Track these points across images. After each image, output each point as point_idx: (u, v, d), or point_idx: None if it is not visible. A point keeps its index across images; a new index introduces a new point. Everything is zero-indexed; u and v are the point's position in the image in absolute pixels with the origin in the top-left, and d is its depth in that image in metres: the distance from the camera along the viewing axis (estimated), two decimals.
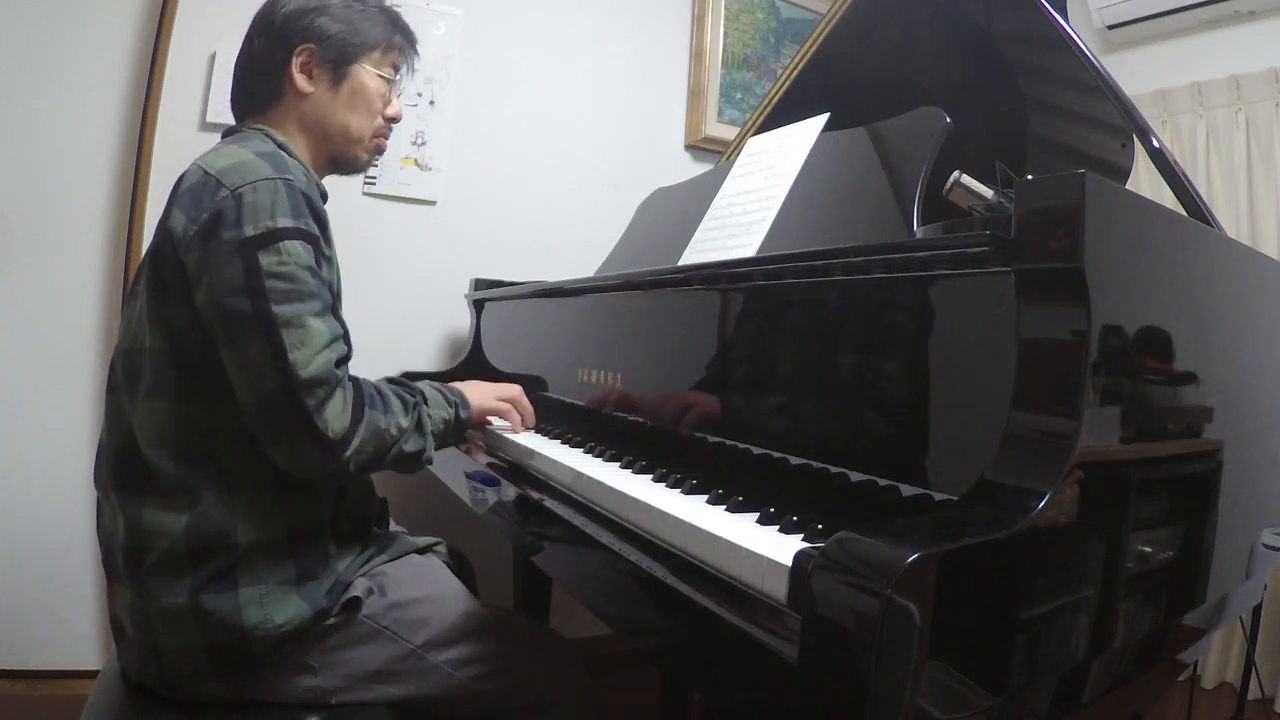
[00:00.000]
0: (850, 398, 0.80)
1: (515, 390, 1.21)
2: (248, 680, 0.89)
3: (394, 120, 1.11)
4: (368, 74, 1.05)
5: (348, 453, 0.87)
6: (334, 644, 0.93)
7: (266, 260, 0.84)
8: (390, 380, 1.01)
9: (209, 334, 0.86)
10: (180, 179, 0.92)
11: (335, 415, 0.85)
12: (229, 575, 0.87)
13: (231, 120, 1.07)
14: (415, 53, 1.13)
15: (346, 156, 1.08)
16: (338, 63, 1.02)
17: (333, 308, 0.90)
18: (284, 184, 0.88)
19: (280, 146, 0.98)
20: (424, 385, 1.04)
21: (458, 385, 1.12)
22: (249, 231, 0.84)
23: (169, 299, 0.88)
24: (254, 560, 0.88)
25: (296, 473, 0.89)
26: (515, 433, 1.19)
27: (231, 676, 0.88)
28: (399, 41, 1.09)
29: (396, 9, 1.12)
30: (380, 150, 1.12)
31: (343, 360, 0.89)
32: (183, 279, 0.87)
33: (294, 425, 0.84)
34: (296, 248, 0.86)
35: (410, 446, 0.96)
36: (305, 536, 0.93)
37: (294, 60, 1.01)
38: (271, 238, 0.85)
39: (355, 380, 0.91)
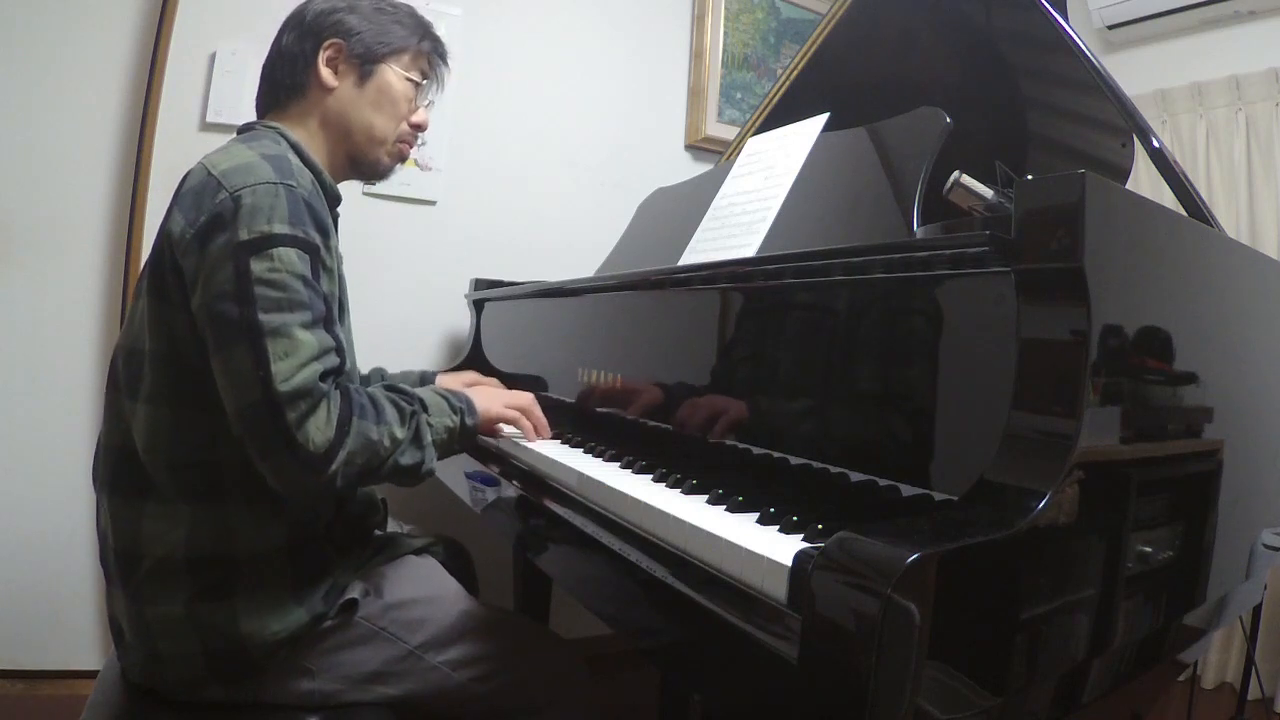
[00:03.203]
0: (850, 398, 0.80)
1: (528, 399, 1.15)
2: (247, 684, 0.89)
3: (419, 128, 1.09)
4: (395, 75, 1.03)
5: (333, 467, 0.82)
6: (331, 646, 0.93)
7: (258, 266, 0.81)
8: (389, 388, 0.96)
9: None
10: (185, 178, 0.90)
11: (317, 429, 0.81)
12: (226, 584, 0.87)
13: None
14: (445, 64, 1.11)
15: (368, 158, 1.05)
16: (364, 59, 1.01)
17: (329, 321, 0.87)
18: (285, 189, 0.85)
19: (293, 147, 0.96)
20: (426, 391, 0.99)
21: (467, 390, 1.08)
22: (243, 235, 0.82)
23: (168, 302, 0.87)
24: (252, 571, 0.88)
25: (282, 489, 0.84)
26: (529, 441, 1.13)
27: (230, 680, 0.88)
28: (427, 48, 1.07)
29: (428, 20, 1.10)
30: (403, 157, 1.09)
31: (331, 373, 0.85)
32: (180, 282, 0.85)
33: (274, 438, 0.81)
34: (290, 255, 0.83)
35: (406, 459, 0.91)
36: (304, 546, 0.92)
37: (321, 54, 1.00)
38: (266, 243, 0.82)
39: (345, 390, 0.87)
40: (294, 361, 0.81)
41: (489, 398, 1.10)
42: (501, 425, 1.12)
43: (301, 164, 0.94)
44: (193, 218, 0.84)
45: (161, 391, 0.87)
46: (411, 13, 1.07)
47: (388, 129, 1.05)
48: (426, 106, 1.10)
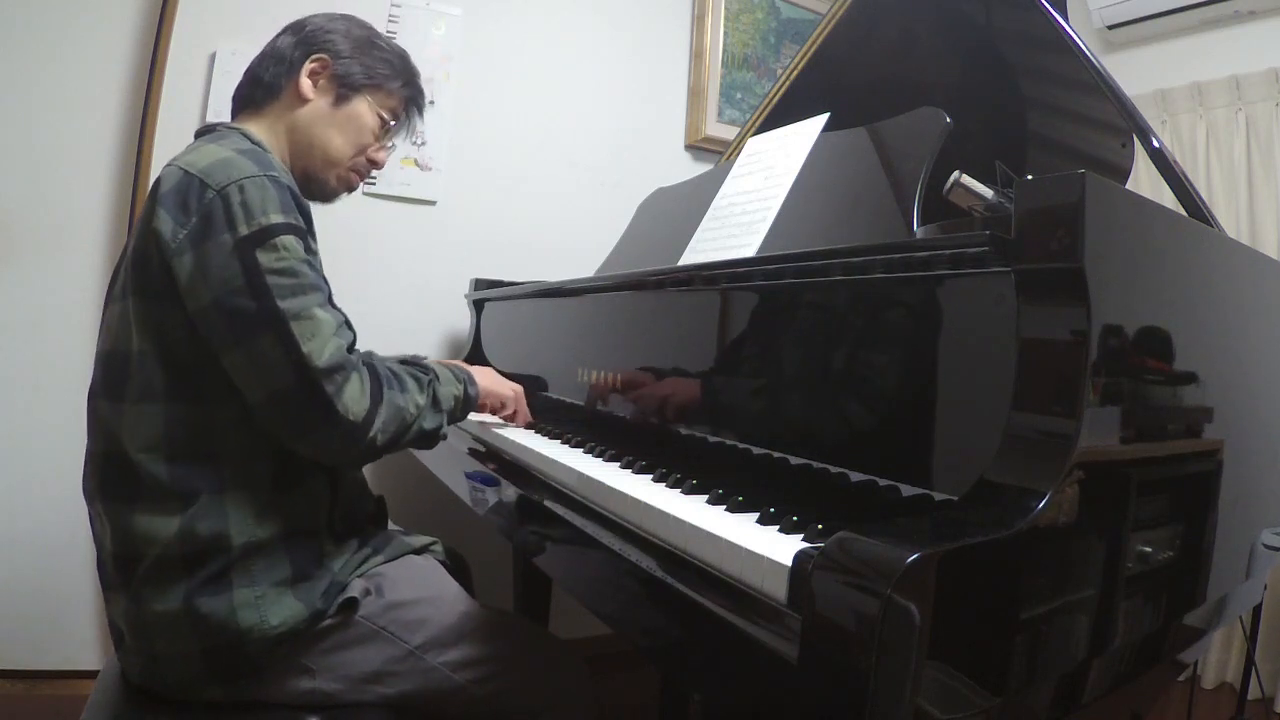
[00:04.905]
0: (851, 398, 0.80)
1: (518, 388, 1.25)
2: (246, 683, 0.89)
3: (375, 165, 1.13)
4: (368, 106, 1.07)
5: (371, 433, 0.89)
6: (331, 645, 0.93)
7: (265, 258, 0.84)
8: (401, 360, 1.03)
9: (203, 336, 0.86)
10: (158, 181, 0.89)
11: (354, 399, 0.87)
12: (224, 577, 0.87)
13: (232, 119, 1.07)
14: (420, 113, 1.15)
15: (318, 178, 1.08)
16: (344, 83, 1.05)
17: (331, 298, 0.91)
18: (270, 180, 0.87)
19: (256, 144, 0.97)
20: (433, 363, 1.07)
21: (466, 366, 1.14)
22: (243, 231, 0.84)
23: (158, 302, 0.87)
24: (249, 562, 0.88)
25: (324, 461, 0.92)
26: (502, 428, 1.23)
27: (229, 680, 0.88)
28: (405, 93, 1.11)
29: (415, 66, 1.14)
30: (350, 186, 1.12)
31: (352, 346, 0.90)
32: (171, 283, 0.86)
33: (315, 415, 0.85)
34: (291, 242, 0.87)
35: (429, 423, 0.98)
36: (301, 537, 0.93)
37: (306, 65, 1.03)
38: (266, 234, 0.85)
39: (370, 363, 0.92)
40: (321, 340, 0.85)
41: (488, 376, 1.20)
42: (486, 414, 1.20)
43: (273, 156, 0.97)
44: (181, 219, 0.85)
45: (152, 390, 0.88)
46: (403, 56, 1.12)
47: (344, 153, 1.07)
48: (389, 148, 1.14)
